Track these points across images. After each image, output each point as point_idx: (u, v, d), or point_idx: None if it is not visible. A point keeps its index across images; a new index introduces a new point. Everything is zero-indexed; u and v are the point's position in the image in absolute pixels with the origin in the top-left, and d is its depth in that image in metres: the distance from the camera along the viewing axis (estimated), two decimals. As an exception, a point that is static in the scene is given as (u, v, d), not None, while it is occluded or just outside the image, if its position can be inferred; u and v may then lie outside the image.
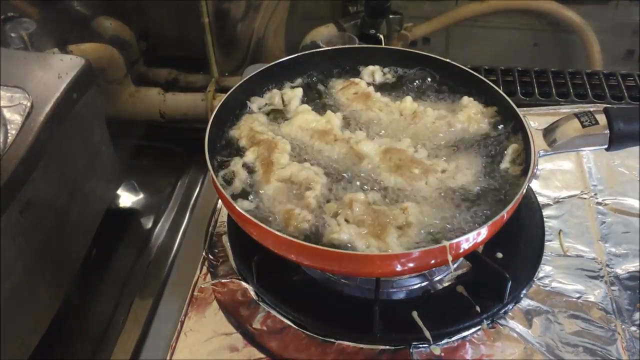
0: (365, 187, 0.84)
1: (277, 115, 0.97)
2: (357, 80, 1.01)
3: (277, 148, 0.87)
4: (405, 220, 0.77)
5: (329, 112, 0.94)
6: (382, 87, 1.02)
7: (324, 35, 1.47)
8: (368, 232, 0.76)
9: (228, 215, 0.96)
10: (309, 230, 0.77)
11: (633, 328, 0.82)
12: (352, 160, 0.87)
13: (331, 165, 0.87)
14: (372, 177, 0.85)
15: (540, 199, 1.00)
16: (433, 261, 0.74)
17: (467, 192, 0.82)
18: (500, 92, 0.93)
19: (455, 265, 0.89)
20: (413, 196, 0.82)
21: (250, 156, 0.88)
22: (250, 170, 0.87)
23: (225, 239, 0.96)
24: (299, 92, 0.99)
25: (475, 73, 0.97)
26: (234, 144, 0.92)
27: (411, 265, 0.73)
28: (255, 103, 0.98)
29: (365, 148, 0.87)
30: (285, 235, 0.74)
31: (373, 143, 0.89)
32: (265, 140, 0.89)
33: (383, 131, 0.93)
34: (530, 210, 0.97)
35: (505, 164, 0.85)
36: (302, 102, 0.99)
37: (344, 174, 0.86)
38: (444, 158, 0.88)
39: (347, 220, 0.77)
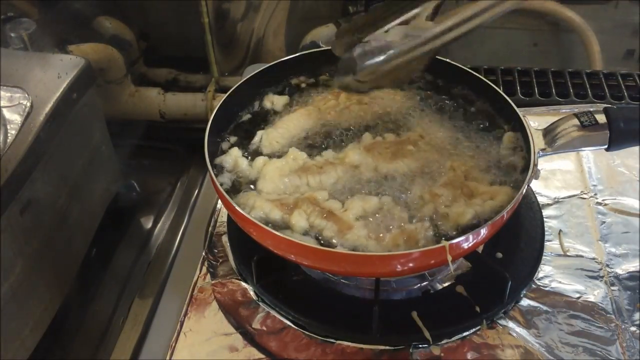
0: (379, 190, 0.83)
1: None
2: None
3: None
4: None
5: (290, 150, 0.88)
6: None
7: (324, 35, 1.47)
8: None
9: (228, 215, 0.96)
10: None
11: (633, 328, 0.82)
12: (352, 174, 0.85)
13: (336, 189, 0.83)
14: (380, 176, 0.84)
15: (540, 199, 1.00)
16: (433, 261, 0.74)
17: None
18: (500, 92, 0.93)
19: (455, 266, 0.89)
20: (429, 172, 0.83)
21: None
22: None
23: (225, 239, 0.96)
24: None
25: (475, 73, 0.97)
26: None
27: (411, 265, 0.73)
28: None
29: (352, 156, 0.85)
30: (285, 236, 0.74)
31: (354, 149, 0.87)
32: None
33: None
34: (530, 210, 0.97)
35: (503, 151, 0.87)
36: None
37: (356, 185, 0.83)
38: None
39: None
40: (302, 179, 0.84)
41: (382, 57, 0.80)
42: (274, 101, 0.98)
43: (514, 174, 0.84)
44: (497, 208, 0.77)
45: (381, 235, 0.76)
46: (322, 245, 0.75)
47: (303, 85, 1.02)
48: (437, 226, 0.77)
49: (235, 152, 0.88)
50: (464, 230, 0.76)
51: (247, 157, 0.89)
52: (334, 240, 0.76)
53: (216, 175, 0.84)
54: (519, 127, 0.88)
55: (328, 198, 0.81)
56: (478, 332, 0.82)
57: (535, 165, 0.81)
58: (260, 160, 0.87)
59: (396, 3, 0.84)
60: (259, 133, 0.92)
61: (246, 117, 0.97)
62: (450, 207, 0.78)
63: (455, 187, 0.80)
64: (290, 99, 0.99)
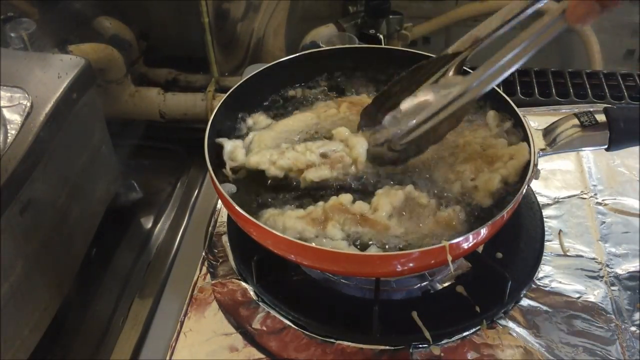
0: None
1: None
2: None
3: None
4: None
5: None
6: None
7: (324, 35, 1.47)
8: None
9: (228, 215, 0.96)
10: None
11: (633, 328, 0.82)
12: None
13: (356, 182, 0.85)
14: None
15: (540, 199, 1.00)
16: (433, 261, 0.74)
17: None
18: (500, 92, 0.93)
19: (455, 266, 0.89)
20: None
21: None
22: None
23: (225, 239, 0.96)
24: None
25: (475, 73, 0.97)
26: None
27: (411, 265, 0.73)
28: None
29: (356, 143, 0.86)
30: (285, 236, 0.74)
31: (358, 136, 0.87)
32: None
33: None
34: (530, 210, 0.97)
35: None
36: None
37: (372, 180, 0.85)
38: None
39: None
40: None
41: (414, 121, 0.79)
42: (257, 121, 0.96)
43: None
44: (520, 166, 0.81)
45: (420, 227, 0.77)
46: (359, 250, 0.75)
47: (301, 89, 1.02)
48: (468, 204, 0.80)
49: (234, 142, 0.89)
50: (497, 197, 0.79)
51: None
52: (374, 245, 0.76)
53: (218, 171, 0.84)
54: (519, 127, 0.88)
55: (353, 200, 0.80)
56: (478, 332, 0.82)
57: (535, 165, 0.81)
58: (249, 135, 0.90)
59: (418, 71, 0.82)
60: (252, 134, 0.91)
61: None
62: (477, 179, 0.81)
63: (475, 158, 0.83)
64: (289, 103, 0.99)
